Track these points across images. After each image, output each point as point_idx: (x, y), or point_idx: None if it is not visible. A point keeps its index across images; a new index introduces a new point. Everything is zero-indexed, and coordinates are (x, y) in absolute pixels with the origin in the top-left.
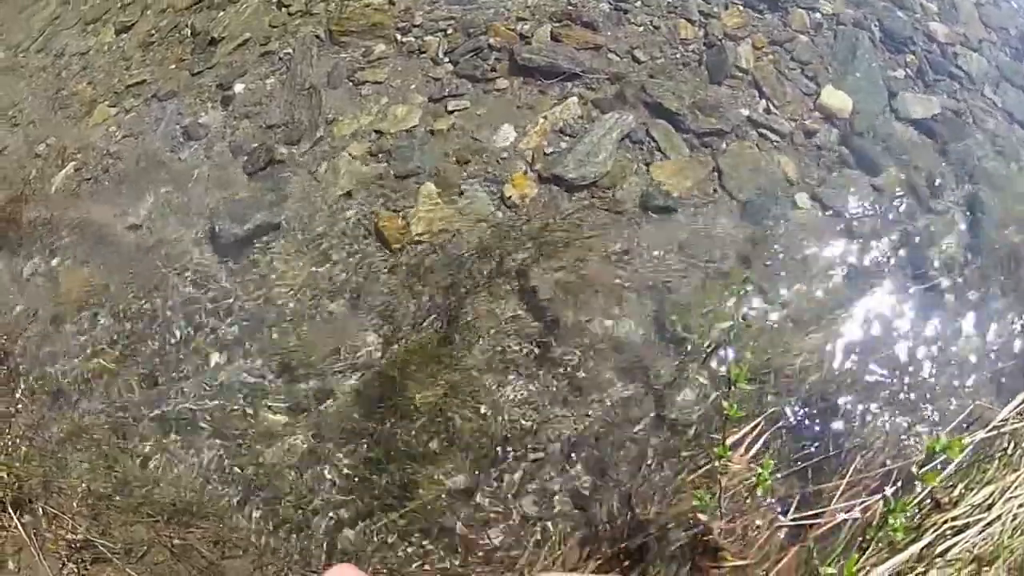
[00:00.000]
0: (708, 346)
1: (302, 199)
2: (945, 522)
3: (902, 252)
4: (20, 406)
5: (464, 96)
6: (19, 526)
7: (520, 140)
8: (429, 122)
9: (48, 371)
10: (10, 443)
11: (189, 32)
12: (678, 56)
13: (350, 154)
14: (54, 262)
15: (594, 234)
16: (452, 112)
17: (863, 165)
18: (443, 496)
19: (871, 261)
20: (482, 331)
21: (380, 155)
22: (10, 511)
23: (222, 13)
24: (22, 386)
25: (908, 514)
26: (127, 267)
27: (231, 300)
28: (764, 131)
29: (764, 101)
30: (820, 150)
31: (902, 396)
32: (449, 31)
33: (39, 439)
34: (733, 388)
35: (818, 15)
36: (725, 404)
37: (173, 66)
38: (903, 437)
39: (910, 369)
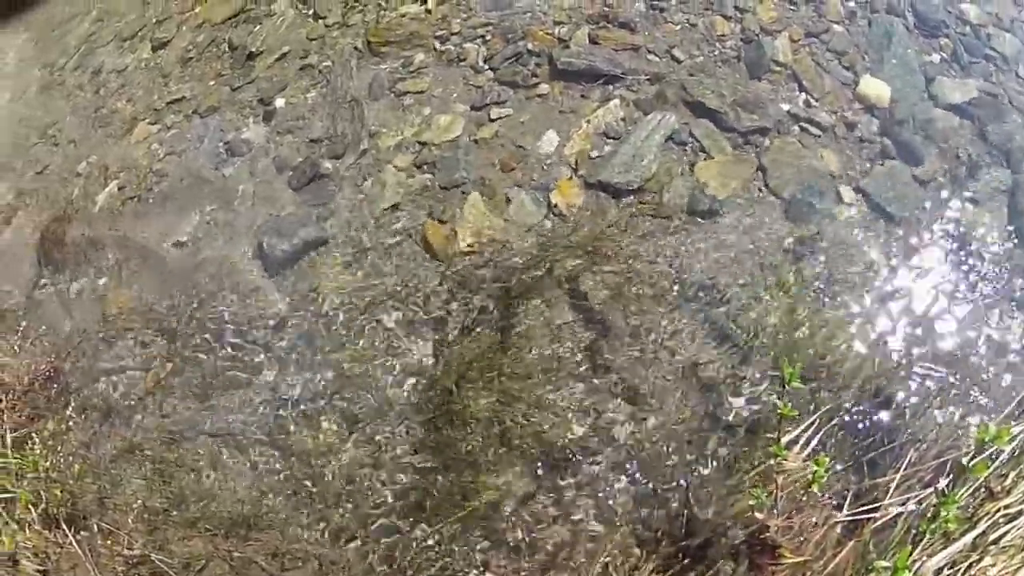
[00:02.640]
0: (760, 345)
1: (349, 213)
2: (998, 510)
3: (946, 242)
4: (72, 423)
5: (506, 103)
6: (74, 542)
7: (564, 145)
8: (472, 131)
9: (99, 389)
10: (63, 460)
11: (227, 47)
12: (716, 53)
13: (395, 166)
14: (101, 281)
15: (643, 240)
16: (495, 120)
17: (904, 155)
18: (501, 502)
19: (916, 253)
20: (535, 338)
21: (425, 166)
22: (64, 527)
23: (258, 27)
24: (73, 404)
25: (961, 505)
26: (174, 285)
27: (281, 315)
28: (806, 125)
29: (804, 94)
30: (862, 142)
31: (953, 387)
32: (487, 38)
33: (92, 456)
34: (786, 387)
35: (851, 3)
36: (779, 403)
37: (212, 82)
38: (956, 428)
39: (959, 360)
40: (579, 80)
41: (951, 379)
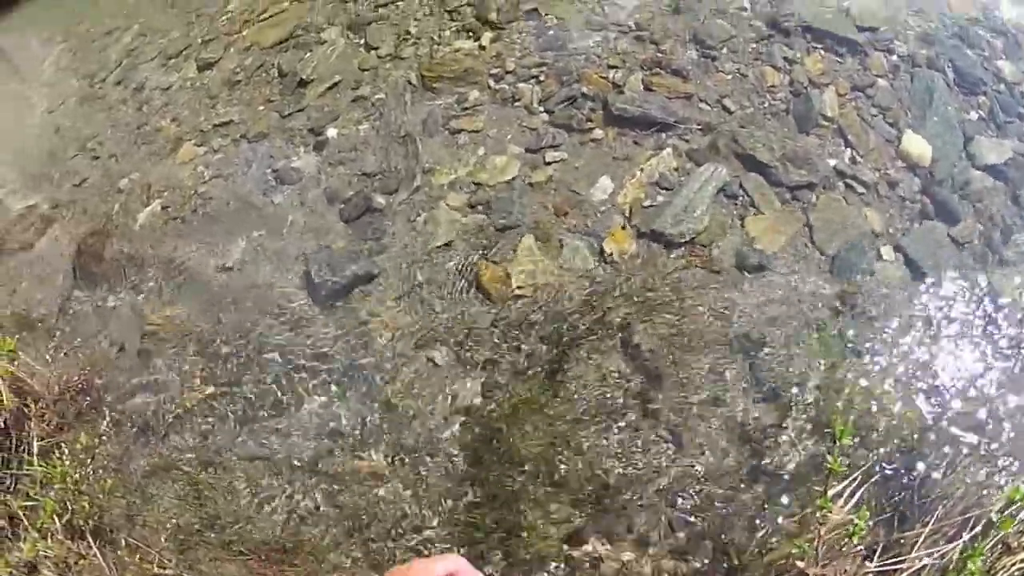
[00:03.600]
0: (801, 398)
1: (401, 249)
2: (1014, 564)
3: (979, 303)
4: (104, 437)
5: (561, 147)
6: (98, 554)
7: (618, 193)
8: (527, 174)
9: (134, 405)
10: (92, 473)
11: (276, 72)
12: (766, 105)
13: (449, 205)
14: (140, 298)
15: (693, 292)
16: (550, 164)
17: (942, 215)
18: (548, 540)
19: (950, 314)
20: (585, 384)
21: (479, 206)
22: (89, 539)
23: (309, 54)
24: (106, 418)
25: (983, 558)
26: (219, 308)
27: (329, 346)
28: (851, 182)
29: (849, 150)
30: (903, 201)
31: (980, 447)
32: (542, 78)
33: (123, 471)
34: (837, 444)
35: (895, 57)
36: (829, 459)
37: (261, 107)
38: (981, 487)
39: (987, 420)
40: (633, 127)
41: (979, 439)
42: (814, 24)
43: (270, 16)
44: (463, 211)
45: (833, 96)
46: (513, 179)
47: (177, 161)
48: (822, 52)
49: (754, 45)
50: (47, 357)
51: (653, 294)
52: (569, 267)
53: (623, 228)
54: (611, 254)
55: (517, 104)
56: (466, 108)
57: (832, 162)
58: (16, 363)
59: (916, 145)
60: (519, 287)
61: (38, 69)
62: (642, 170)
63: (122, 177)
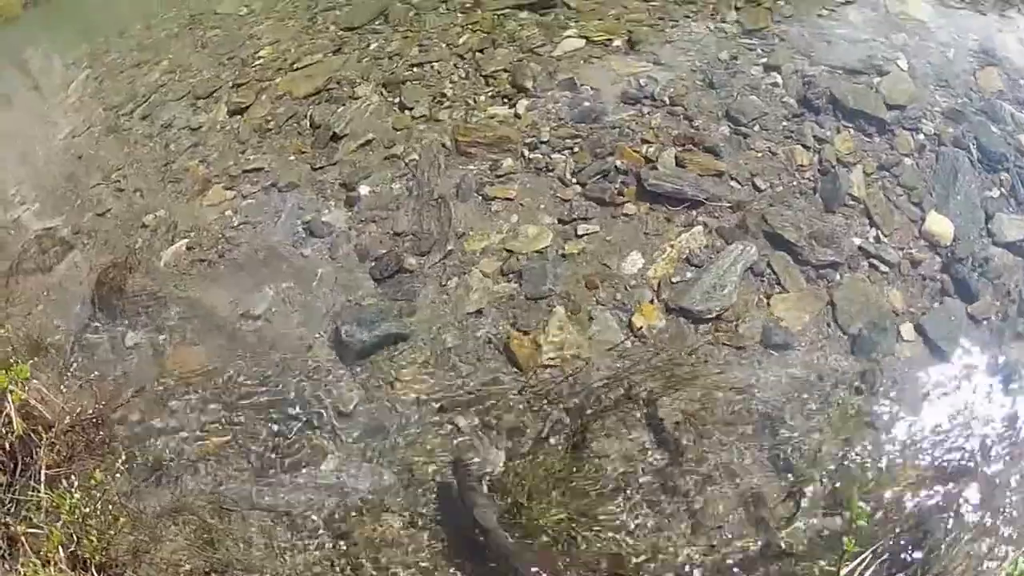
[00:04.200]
0: (818, 476)
1: (432, 313)
2: None
3: (994, 380)
4: (116, 473)
5: (593, 220)
6: None
7: (648, 268)
8: (560, 244)
9: (149, 444)
10: (101, 508)
11: (308, 124)
12: (795, 184)
13: (482, 272)
14: (161, 337)
15: (718, 369)
16: (582, 236)
17: (961, 292)
18: None
19: (965, 391)
20: (608, 457)
21: (511, 275)
22: (94, 572)
23: (342, 108)
24: (122, 455)
25: None
26: (242, 355)
27: (353, 403)
28: (875, 261)
29: (874, 229)
30: (924, 280)
31: (985, 523)
32: (576, 150)
33: (133, 508)
34: (853, 525)
35: (921, 136)
36: (845, 540)
37: (292, 157)
38: (983, 559)
39: (994, 497)
40: (664, 202)
41: (984, 516)
42: (844, 102)
43: (304, 66)
44: (495, 278)
45: (860, 175)
46: (545, 249)
47: (205, 203)
48: (851, 131)
49: (785, 123)
50: (59, 385)
51: (679, 369)
52: (598, 340)
53: (652, 303)
54: (640, 328)
55: (551, 174)
56: (500, 175)
57: (857, 241)
58: (28, 388)
59: (939, 224)
60: (549, 358)
61: (62, 91)
62: (672, 246)
63: (147, 213)
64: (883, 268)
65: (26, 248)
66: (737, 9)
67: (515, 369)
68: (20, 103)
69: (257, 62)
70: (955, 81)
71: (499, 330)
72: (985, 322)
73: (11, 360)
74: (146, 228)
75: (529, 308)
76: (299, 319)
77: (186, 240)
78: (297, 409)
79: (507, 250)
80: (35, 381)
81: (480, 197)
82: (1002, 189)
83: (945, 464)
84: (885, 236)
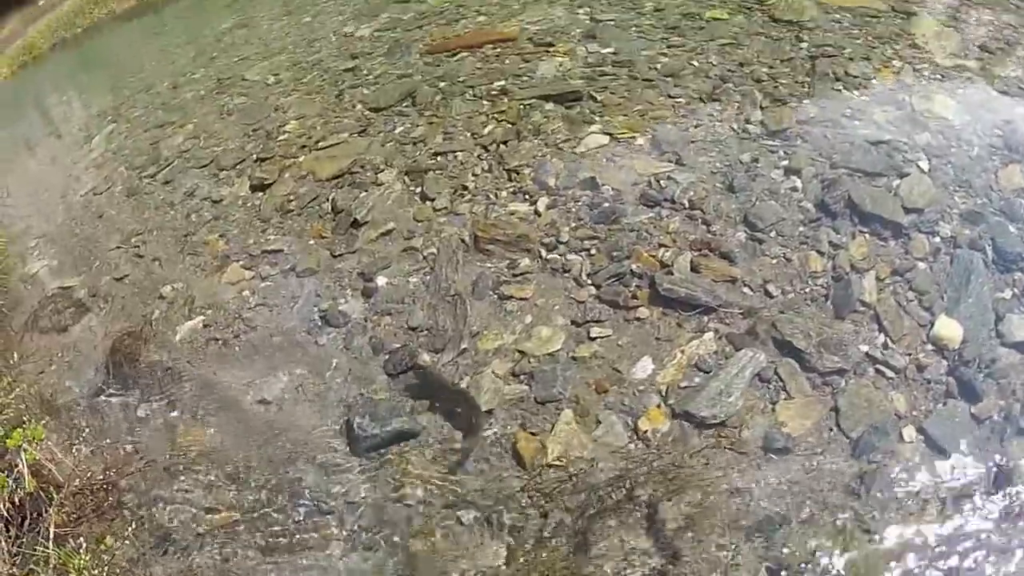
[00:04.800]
0: None
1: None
2: None
3: (994, 481)
4: (124, 540)
5: (606, 322)
6: None
7: (657, 373)
8: (571, 347)
9: (157, 513)
10: (108, 571)
11: (330, 208)
12: (807, 291)
13: (494, 372)
14: (174, 413)
15: (719, 472)
16: (594, 339)
17: (965, 394)
18: None
19: (967, 493)
20: (608, 559)
21: (522, 376)
22: None
23: (364, 194)
24: (130, 522)
25: None
26: (253, 440)
27: (361, 495)
28: (881, 367)
29: (883, 335)
30: (929, 383)
31: None
32: (593, 252)
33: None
34: None
35: (937, 239)
36: None
37: (312, 241)
38: None
39: None
40: (677, 307)
41: None
42: (862, 206)
43: (328, 146)
44: (506, 379)
45: (873, 281)
46: (557, 352)
47: (223, 280)
48: (867, 236)
49: (802, 228)
50: (72, 449)
51: (681, 471)
52: (603, 442)
53: (659, 407)
54: (645, 432)
55: (567, 275)
56: (516, 275)
57: (864, 348)
58: (40, 447)
59: (948, 328)
60: (554, 459)
61: (85, 144)
62: (683, 352)
63: (164, 283)
64: (889, 374)
65: (42, 305)
66: (762, 109)
67: (521, 469)
68: (42, 149)
69: (282, 136)
70: (976, 181)
71: (508, 431)
72: (988, 421)
73: (23, 417)
74: (163, 299)
75: (538, 410)
76: (312, 408)
77: (202, 317)
78: (306, 495)
79: (519, 351)
80: (47, 441)
81: (496, 296)
82: (1015, 289)
83: (943, 567)
84: (893, 342)
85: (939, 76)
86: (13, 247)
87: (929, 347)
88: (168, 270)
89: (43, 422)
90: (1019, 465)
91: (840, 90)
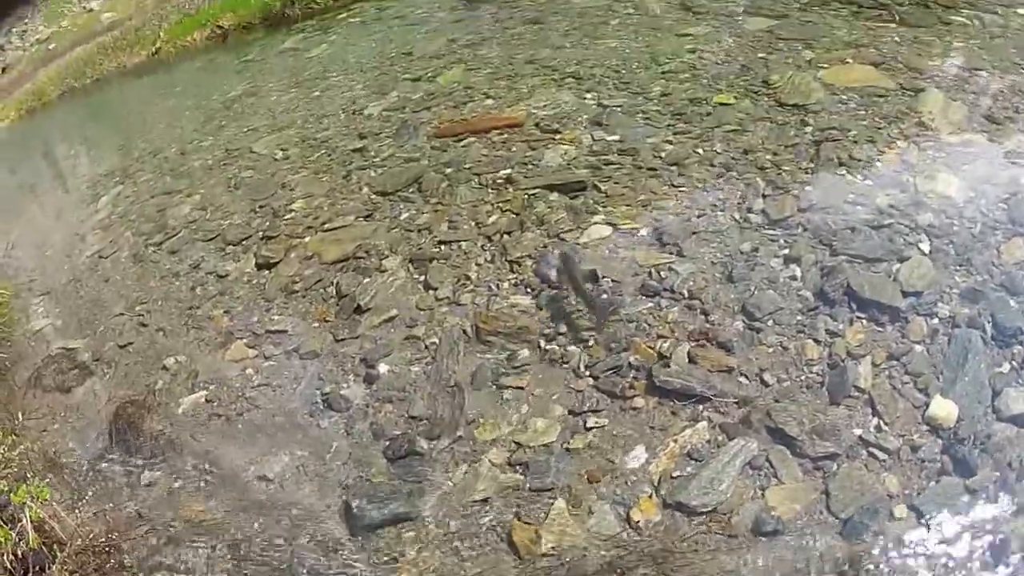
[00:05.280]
0: None
1: (440, 496)
2: None
3: (988, 553)
4: None
5: (602, 412)
6: None
7: (650, 463)
8: (567, 438)
9: None
10: None
11: (335, 291)
12: (802, 378)
13: (490, 461)
14: (176, 482)
15: (708, 556)
16: (590, 429)
17: (959, 470)
18: None
19: (962, 569)
20: None
21: (518, 466)
22: None
23: (368, 279)
24: None
25: None
26: (254, 513)
27: (357, 574)
28: (873, 450)
29: (876, 419)
30: (923, 462)
31: None
32: (591, 343)
33: None
34: None
35: (935, 320)
36: None
37: (316, 324)
38: None
39: None
40: (673, 398)
41: None
42: (860, 292)
43: (334, 228)
44: (502, 468)
45: (868, 367)
46: (552, 443)
47: (226, 357)
48: (864, 322)
49: (800, 317)
50: (75, 509)
51: (671, 556)
52: (595, 531)
53: (651, 497)
54: (637, 522)
55: (565, 366)
56: (516, 366)
57: (858, 432)
58: (42, 504)
59: (943, 408)
60: (548, 548)
61: (92, 204)
62: (676, 441)
63: (168, 355)
64: (881, 456)
65: (45, 363)
66: (764, 197)
67: (515, 556)
68: (48, 201)
69: (288, 215)
70: (977, 258)
71: (503, 519)
72: (983, 494)
73: (27, 473)
74: (167, 371)
75: (533, 499)
76: (312, 487)
77: (206, 392)
78: (304, 571)
79: (516, 442)
80: (51, 500)
81: (494, 387)
82: (1013, 363)
83: None
84: (887, 425)
85: (944, 153)
86: (17, 300)
87: (924, 427)
88: (172, 341)
89: (46, 480)
90: (1014, 537)
91: (844, 174)
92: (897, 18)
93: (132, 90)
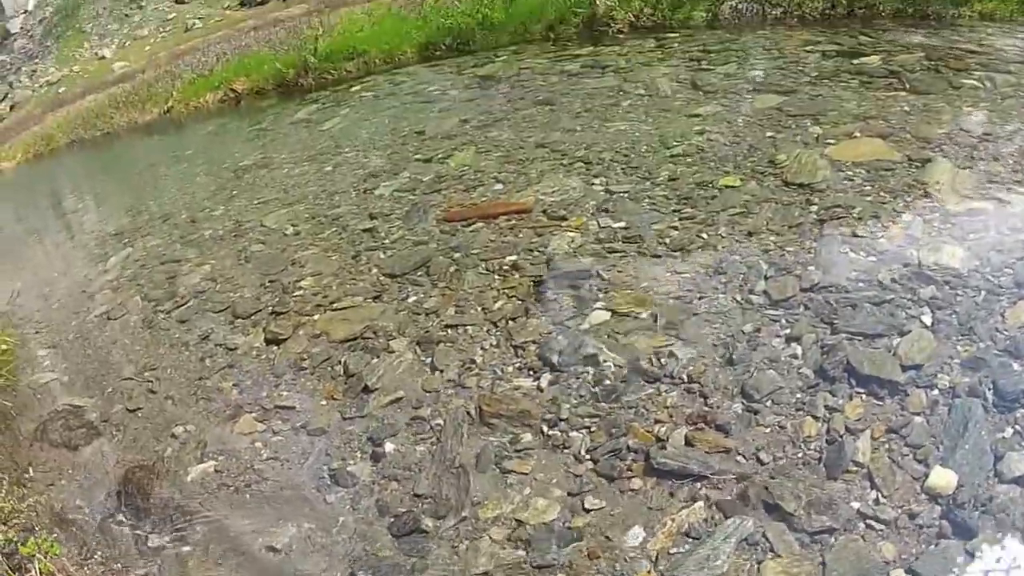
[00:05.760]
0: None
1: (443, 572)
2: None
3: None
4: None
5: (600, 494)
6: None
7: (648, 541)
8: (567, 517)
9: None
10: None
11: (342, 370)
12: (800, 455)
13: (491, 538)
14: (185, 549)
15: None
16: (589, 511)
17: (959, 533)
18: None
19: None
20: None
21: (519, 543)
22: None
23: (376, 360)
24: None
25: None
26: None
27: None
28: (871, 521)
29: (875, 491)
30: (921, 528)
31: None
32: (593, 429)
33: None
34: None
35: (935, 391)
36: None
37: (324, 401)
38: None
39: None
40: (670, 478)
41: None
42: (859, 369)
43: (343, 307)
44: (503, 545)
45: (867, 442)
46: (552, 522)
47: (235, 430)
48: (863, 397)
49: (799, 395)
50: (84, 567)
51: None
52: None
53: (649, 572)
54: None
55: (566, 451)
56: (518, 449)
57: (856, 504)
58: (52, 559)
59: (943, 478)
60: None
61: (100, 263)
62: (673, 520)
63: (178, 423)
64: (879, 527)
65: (52, 418)
66: (767, 279)
67: None
68: (55, 253)
69: (298, 292)
70: (981, 327)
71: None
72: (983, 555)
73: (34, 526)
74: (175, 439)
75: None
76: (318, 559)
77: (214, 462)
78: None
79: (517, 520)
80: (60, 554)
81: (498, 469)
82: (1017, 427)
83: None
84: (885, 497)
85: (949, 224)
86: (22, 350)
87: (922, 496)
88: (182, 410)
89: (54, 534)
90: None
91: (847, 252)
92: (908, 86)
93: (143, 148)
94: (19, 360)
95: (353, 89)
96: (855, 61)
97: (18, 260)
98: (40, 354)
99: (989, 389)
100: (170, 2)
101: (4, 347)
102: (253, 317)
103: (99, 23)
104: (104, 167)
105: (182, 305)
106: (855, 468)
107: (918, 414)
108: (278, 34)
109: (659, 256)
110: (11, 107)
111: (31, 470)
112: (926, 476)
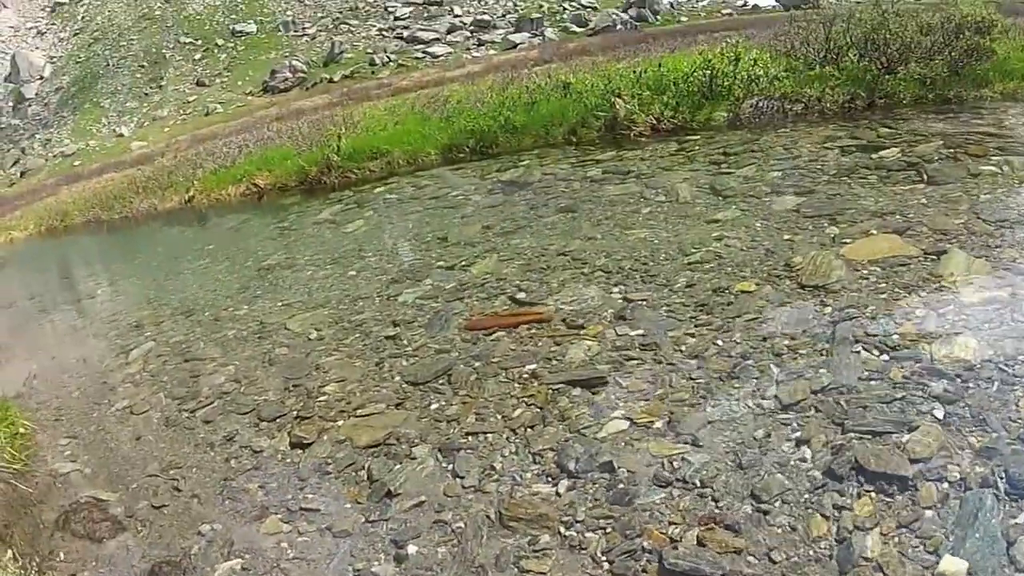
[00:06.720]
0: None
1: None
2: None
3: None
4: None
5: None
6: None
7: None
8: None
9: None
10: None
11: (366, 476)
12: (810, 554)
13: None
14: None
15: None
16: None
17: None
18: None
19: None
20: None
21: None
22: None
23: (399, 466)
24: None
25: None
26: None
27: None
28: None
29: None
30: None
31: None
32: (608, 530)
33: None
34: None
35: (946, 484)
36: None
37: (348, 505)
38: None
39: None
40: None
41: None
42: (868, 466)
43: (367, 414)
44: None
45: (876, 538)
46: None
47: (261, 530)
48: (873, 494)
49: (808, 495)
50: None
51: None
52: None
53: None
54: None
55: (583, 552)
56: (536, 551)
57: None
58: None
59: (953, 565)
60: None
61: (121, 356)
62: None
63: (203, 522)
64: None
65: (75, 509)
66: (778, 384)
67: None
68: (71, 338)
69: (322, 397)
70: (993, 417)
71: None
72: None
73: None
74: (202, 536)
75: None
76: None
77: (241, 560)
78: None
79: None
80: None
81: (516, 569)
82: None
83: None
84: None
85: (963, 316)
86: (40, 436)
87: None
88: (208, 509)
89: None
90: None
91: (859, 352)
92: (926, 177)
93: (163, 237)
94: (37, 447)
95: (376, 190)
96: (874, 155)
97: (34, 340)
98: (60, 443)
99: (1001, 478)
100: (191, 84)
101: (22, 430)
102: (278, 420)
103: (117, 100)
104: (123, 253)
105: (207, 405)
106: (864, 563)
107: (929, 507)
108: (301, 128)
109: (674, 364)
110: (21, 173)
111: (52, 557)
112: (935, 565)
